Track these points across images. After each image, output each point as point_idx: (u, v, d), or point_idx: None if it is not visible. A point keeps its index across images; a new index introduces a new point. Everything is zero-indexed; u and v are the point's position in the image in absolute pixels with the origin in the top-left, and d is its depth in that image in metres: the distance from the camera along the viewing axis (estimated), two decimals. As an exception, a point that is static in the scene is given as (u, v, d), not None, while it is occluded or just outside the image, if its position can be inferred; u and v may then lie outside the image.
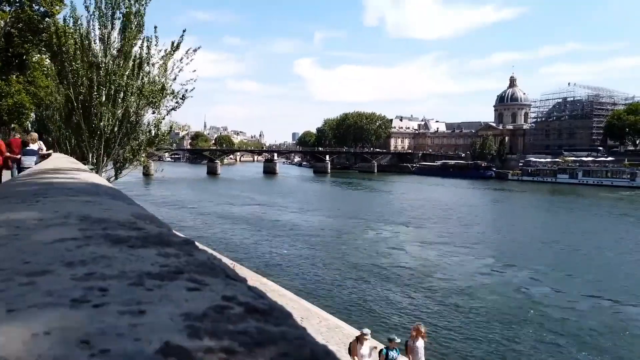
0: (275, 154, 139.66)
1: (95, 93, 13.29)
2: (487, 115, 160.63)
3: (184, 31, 14.45)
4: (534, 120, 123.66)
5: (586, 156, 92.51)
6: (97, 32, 13.55)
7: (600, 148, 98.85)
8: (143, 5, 13.71)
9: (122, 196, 2.28)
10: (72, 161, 9.05)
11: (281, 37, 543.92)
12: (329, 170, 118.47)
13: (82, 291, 0.65)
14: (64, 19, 14.03)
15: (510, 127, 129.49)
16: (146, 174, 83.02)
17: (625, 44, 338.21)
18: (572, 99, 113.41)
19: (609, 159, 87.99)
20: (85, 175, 3.77)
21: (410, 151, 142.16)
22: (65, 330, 0.51)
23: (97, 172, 11.93)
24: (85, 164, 10.72)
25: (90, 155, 13.87)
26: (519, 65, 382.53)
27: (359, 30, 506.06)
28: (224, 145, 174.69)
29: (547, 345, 13.86)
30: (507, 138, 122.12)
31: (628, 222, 40.02)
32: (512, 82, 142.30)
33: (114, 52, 13.58)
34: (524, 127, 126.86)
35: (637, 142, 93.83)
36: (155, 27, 14.15)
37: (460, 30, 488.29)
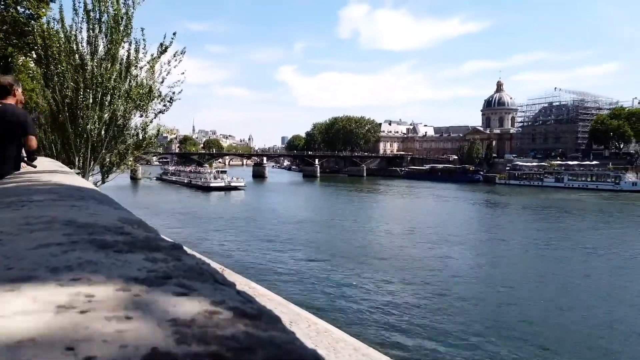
0: (265, 158, 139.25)
1: (82, 96, 13.13)
2: (474, 119, 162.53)
3: (174, 34, 14.37)
4: (521, 124, 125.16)
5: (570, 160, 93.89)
6: (84, 34, 13.41)
7: (579, 154, 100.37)
8: (131, 7, 13.61)
9: (108, 200, 2.26)
10: (58, 165, 8.93)
11: (263, 46, 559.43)
12: (318, 174, 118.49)
13: (68, 297, 0.64)
14: (48, 22, 13.86)
15: (498, 131, 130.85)
16: (134, 178, 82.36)
17: (589, 53, 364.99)
18: (557, 103, 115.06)
19: (594, 162, 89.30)
20: (71, 179, 3.72)
21: (399, 155, 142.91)
22: (50, 336, 0.51)
23: (83, 176, 11.78)
24: (71, 168, 10.57)
25: (77, 159, 13.68)
26: (492, 73, 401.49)
27: (334, 41, 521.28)
28: (213, 149, 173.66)
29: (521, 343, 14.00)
30: (494, 142, 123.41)
31: (610, 223, 40.64)
32: (499, 87, 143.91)
33: (101, 54, 13.45)
34: (511, 131, 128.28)
35: (621, 146, 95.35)
36: (143, 30, 14.05)
37: (430, 41, 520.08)
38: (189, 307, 0.63)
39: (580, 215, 47.75)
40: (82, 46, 13.56)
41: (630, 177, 79.24)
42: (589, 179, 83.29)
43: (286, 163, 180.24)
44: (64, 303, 0.62)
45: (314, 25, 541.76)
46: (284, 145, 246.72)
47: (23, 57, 23.62)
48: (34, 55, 14.78)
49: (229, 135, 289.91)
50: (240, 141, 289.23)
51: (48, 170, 5.75)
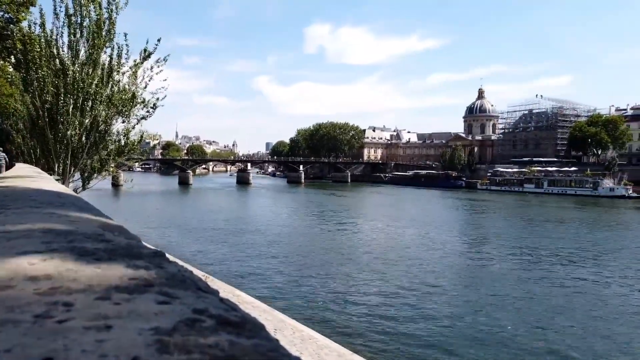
0: (249, 164, 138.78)
1: (62, 101, 12.93)
2: (457, 126, 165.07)
3: (158, 40, 14.29)
4: (502, 131, 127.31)
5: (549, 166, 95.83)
6: (66, 39, 13.24)
7: (555, 160, 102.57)
8: (114, 12, 13.49)
9: (89, 207, 2.22)
10: (37, 171, 8.76)
11: (237, 58, 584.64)
12: (303, 180, 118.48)
13: (46, 306, 0.63)
14: (30, 26, 13.65)
15: (479, 137, 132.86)
16: (115, 185, 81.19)
17: (545, 66, 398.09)
18: (537, 110, 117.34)
19: (573, 169, 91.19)
20: (51, 185, 3.65)
21: (383, 161, 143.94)
22: (27, 347, 0.49)
23: (63, 183, 11.57)
24: (50, 175, 10.38)
25: (56, 165, 13.45)
26: (455, 85, 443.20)
27: (303, 56, 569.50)
28: (196, 155, 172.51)
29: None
30: (476, 148, 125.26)
31: (588, 228, 41.52)
32: (481, 94, 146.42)
33: (83, 59, 13.28)
34: (492, 137, 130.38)
35: (599, 152, 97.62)
36: (126, 35, 13.94)
37: (393, 56, 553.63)
38: (171, 315, 0.62)
39: (559, 220, 48.63)
40: (63, 51, 13.39)
41: (607, 183, 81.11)
42: (568, 185, 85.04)
43: (270, 169, 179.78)
44: (42, 312, 0.60)
45: (283, 42, 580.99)
46: (268, 152, 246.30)
47: (1, 62, 23.17)
48: (13, 60, 14.51)
49: (213, 141, 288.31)
50: (224, 147, 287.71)
51: (27, 176, 5.64)
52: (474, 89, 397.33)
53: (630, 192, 77.00)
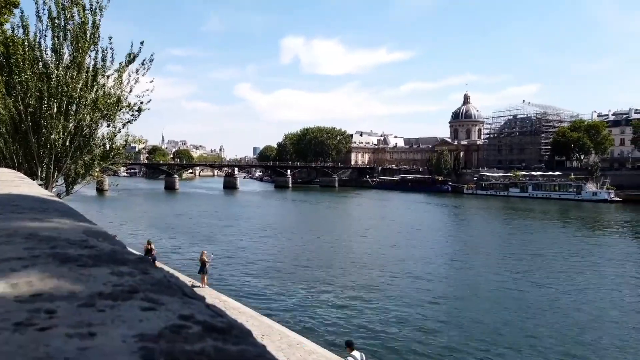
0: (236, 169, 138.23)
1: (46, 105, 12.74)
2: (443, 131, 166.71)
3: (141, 43, 14.17)
4: (487, 136, 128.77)
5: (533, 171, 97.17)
6: (49, 42, 13.07)
7: (542, 165, 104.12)
8: (97, 15, 13.35)
9: (72, 212, 2.18)
10: (19, 176, 8.60)
11: (218, 67, 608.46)
12: (290, 185, 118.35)
13: (27, 314, 0.62)
14: (13, 29, 13.45)
15: (465, 142, 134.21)
16: (100, 190, 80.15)
17: (510, 76, 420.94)
18: (522, 116, 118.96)
19: (557, 173, 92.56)
20: (34, 191, 3.59)
21: (370, 166, 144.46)
22: (8, 355, 0.48)
23: (46, 188, 11.39)
24: (33, 179, 10.21)
25: (40, 170, 13.23)
26: (427, 93, 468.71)
27: (280, 66, 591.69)
28: (183, 160, 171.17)
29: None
30: (462, 153, 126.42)
31: (571, 231, 42.19)
32: (466, 100, 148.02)
33: (67, 62, 13.11)
34: (478, 142, 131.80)
35: (582, 157, 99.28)
36: (110, 38, 13.81)
37: (365, 67, 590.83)
38: (156, 321, 0.61)
39: (543, 224, 49.30)
40: (46, 54, 13.20)
41: (590, 187, 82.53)
42: (552, 189, 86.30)
43: (258, 174, 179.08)
44: (23, 320, 0.59)
45: (261, 52, 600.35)
46: (255, 156, 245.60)
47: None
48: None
49: (200, 146, 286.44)
50: (211, 152, 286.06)
51: (9, 181, 5.53)
52: (446, 97, 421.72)
53: (613, 196, 78.44)
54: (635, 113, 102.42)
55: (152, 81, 14.38)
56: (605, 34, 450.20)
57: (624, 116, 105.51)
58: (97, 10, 13.30)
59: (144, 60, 14.07)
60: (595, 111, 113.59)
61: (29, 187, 4.23)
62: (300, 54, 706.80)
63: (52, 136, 12.92)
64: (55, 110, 12.86)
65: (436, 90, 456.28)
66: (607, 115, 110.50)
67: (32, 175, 12.50)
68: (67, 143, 13.39)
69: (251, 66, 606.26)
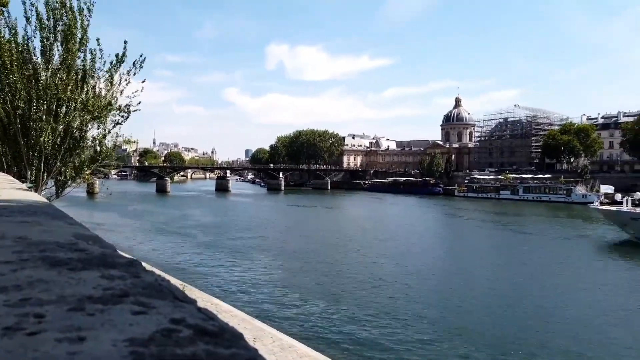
0: (228, 171, 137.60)
1: (35, 107, 12.62)
2: (435, 134, 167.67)
3: (125, 42, 14.06)
4: (478, 139, 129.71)
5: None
6: (38, 44, 12.96)
7: (533, 168, 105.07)
8: (86, 16, 13.28)
9: (62, 216, 2.16)
10: (8, 179, 8.50)
11: (206, 72, 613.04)
12: (283, 188, 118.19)
13: (16, 318, 0.61)
14: (0, 30, 13.31)
15: (457, 145, 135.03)
16: (90, 192, 79.43)
17: (491, 81, 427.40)
18: (512, 119, 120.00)
19: (547, 176, 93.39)
20: (23, 193, 3.55)
21: (362, 168, 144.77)
22: (-5, 361, 0.48)
23: (35, 191, 11.26)
24: (22, 182, 10.10)
25: (29, 172, 13.09)
26: (412, 98, 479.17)
27: (265, 72, 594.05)
28: (175, 162, 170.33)
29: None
30: (453, 156, 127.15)
31: (561, 233, 42.59)
32: (458, 103, 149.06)
33: (57, 64, 13.01)
34: (469, 145, 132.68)
35: (572, 160, 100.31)
36: (98, 40, 13.71)
37: (346, 73, 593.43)
38: (147, 325, 0.61)
39: (533, 226, 49.68)
40: (35, 56, 13.10)
41: (580, 189, 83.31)
42: (542, 192, 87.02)
43: (250, 176, 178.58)
44: (12, 324, 0.59)
45: (247, 59, 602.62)
46: (248, 159, 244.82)
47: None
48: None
49: (192, 148, 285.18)
50: (204, 154, 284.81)
51: (-3, 184, 5.48)
52: (429, 101, 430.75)
53: (602, 198, 79.27)
54: (624, 116, 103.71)
55: (144, 81, 14.30)
56: (577, 44, 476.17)
57: (613, 119, 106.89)
58: (86, 12, 13.22)
59: (135, 61, 14.01)
60: (584, 114, 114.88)
61: (18, 190, 4.18)
62: (285, 60, 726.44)
63: (42, 138, 12.80)
64: (44, 112, 12.75)
65: (420, 95, 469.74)
66: (596, 118, 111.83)
67: (21, 178, 12.37)
68: (57, 145, 13.27)
69: (238, 72, 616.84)
